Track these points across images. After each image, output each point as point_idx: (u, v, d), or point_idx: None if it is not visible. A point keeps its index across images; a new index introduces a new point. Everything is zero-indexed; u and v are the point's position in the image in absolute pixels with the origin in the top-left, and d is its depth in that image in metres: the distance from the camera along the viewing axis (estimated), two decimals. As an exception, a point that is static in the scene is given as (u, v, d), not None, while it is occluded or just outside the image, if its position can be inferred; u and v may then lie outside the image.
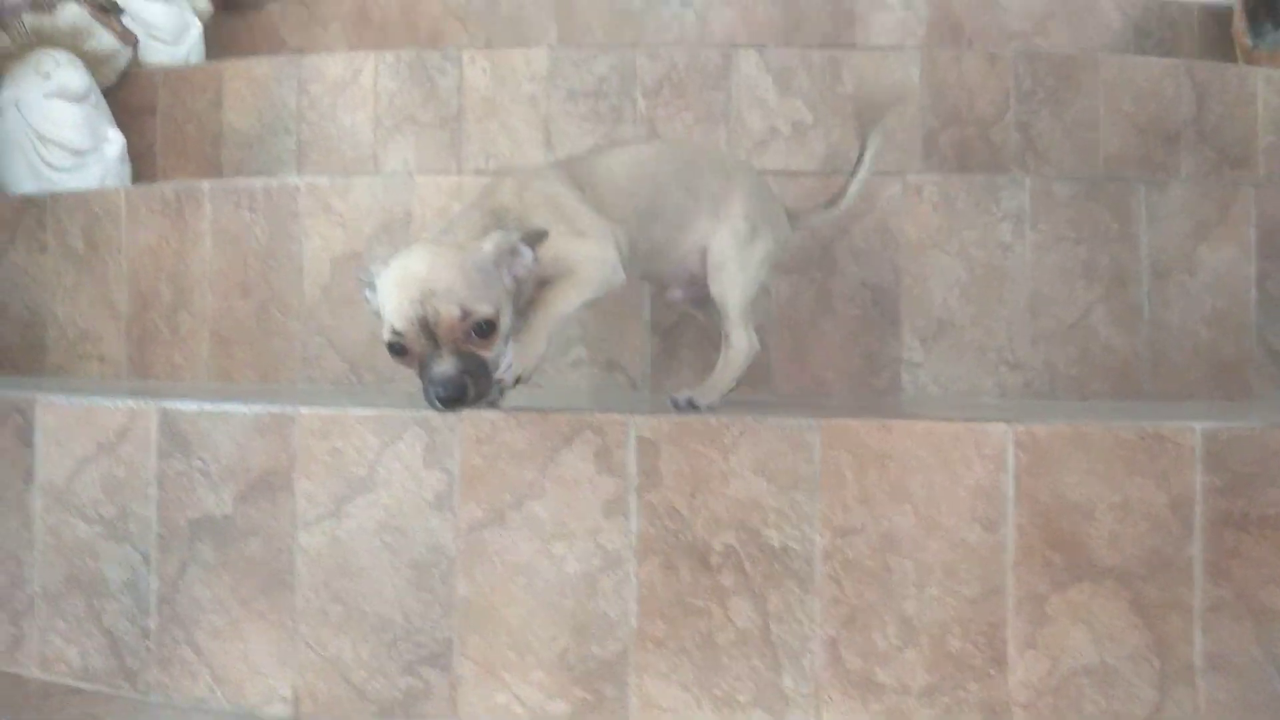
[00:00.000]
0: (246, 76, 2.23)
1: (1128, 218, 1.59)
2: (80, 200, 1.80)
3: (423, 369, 1.05)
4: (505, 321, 1.06)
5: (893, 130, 2.11)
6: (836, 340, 1.56)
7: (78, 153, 2.10)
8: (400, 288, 1.03)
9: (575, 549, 1.07)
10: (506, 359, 1.08)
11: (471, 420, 1.09)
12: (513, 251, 1.07)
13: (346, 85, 2.20)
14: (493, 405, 1.10)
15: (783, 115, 2.12)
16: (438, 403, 1.05)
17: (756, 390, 1.56)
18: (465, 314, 1.02)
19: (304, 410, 1.13)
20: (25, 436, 1.24)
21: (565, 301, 1.11)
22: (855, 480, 1.04)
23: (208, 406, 1.16)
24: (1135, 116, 2.17)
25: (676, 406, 1.15)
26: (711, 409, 1.15)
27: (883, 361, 1.56)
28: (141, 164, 2.27)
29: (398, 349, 1.06)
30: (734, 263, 1.21)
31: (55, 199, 1.83)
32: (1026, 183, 1.57)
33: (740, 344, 1.21)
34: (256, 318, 1.67)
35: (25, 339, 1.82)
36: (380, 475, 1.11)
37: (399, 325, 1.04)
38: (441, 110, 2.16)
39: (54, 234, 1.82)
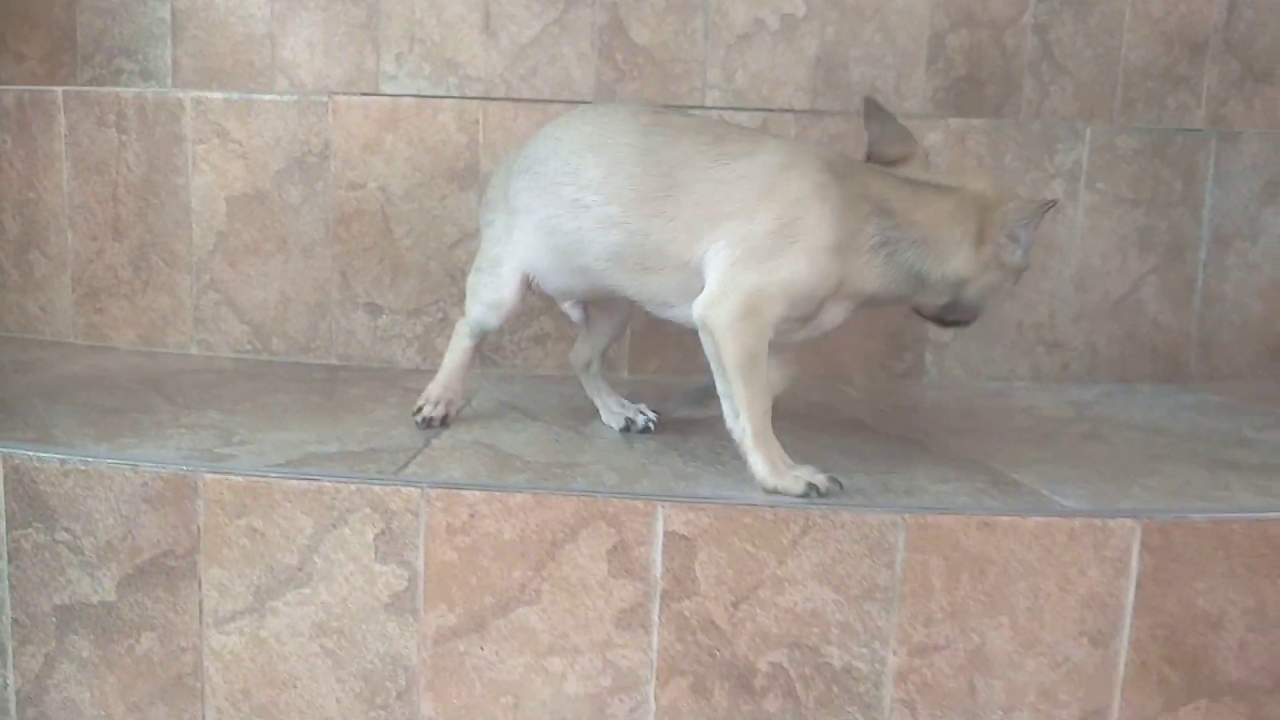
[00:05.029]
0: (104, -76, 1.78)
1: (1193, 177, 1.36)
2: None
3: None
4: None
5: (893, 28, 1.80)
6: (856, 318, 1.31)
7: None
8: None
9: (578, 666, 0.83)
10: None
11: (443, 504, 0.82)
12: None
13: (234, -58, 1.77)
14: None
15: (770, 4, 1.78)
16: None
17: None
18: None
19: (209, 476, 0.84)
20: None
21: None
22: (944, 589, 0.82)
23: (76, 462, 0.86)
24: (1163, 21, 1.91)
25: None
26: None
27: (905, 342, 1.32)
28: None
29: None
30: None
31: None
32: (1087, 134, 1.31)
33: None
34: (134, 266, 1.33)
35: None
36: (317, 566, 0.84)
37: None
38: (356, -19, 1.76)
39: None
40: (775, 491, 0.83)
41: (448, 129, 1.27)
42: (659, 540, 0.81)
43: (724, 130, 0.93)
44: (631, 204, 0.88)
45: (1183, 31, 1.93)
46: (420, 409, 1.03)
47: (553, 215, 0.92)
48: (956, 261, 0.86)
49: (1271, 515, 0.84)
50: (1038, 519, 0.82)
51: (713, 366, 0.85)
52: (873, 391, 1.29)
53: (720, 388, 0.85)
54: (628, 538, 0.81)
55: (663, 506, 0.81)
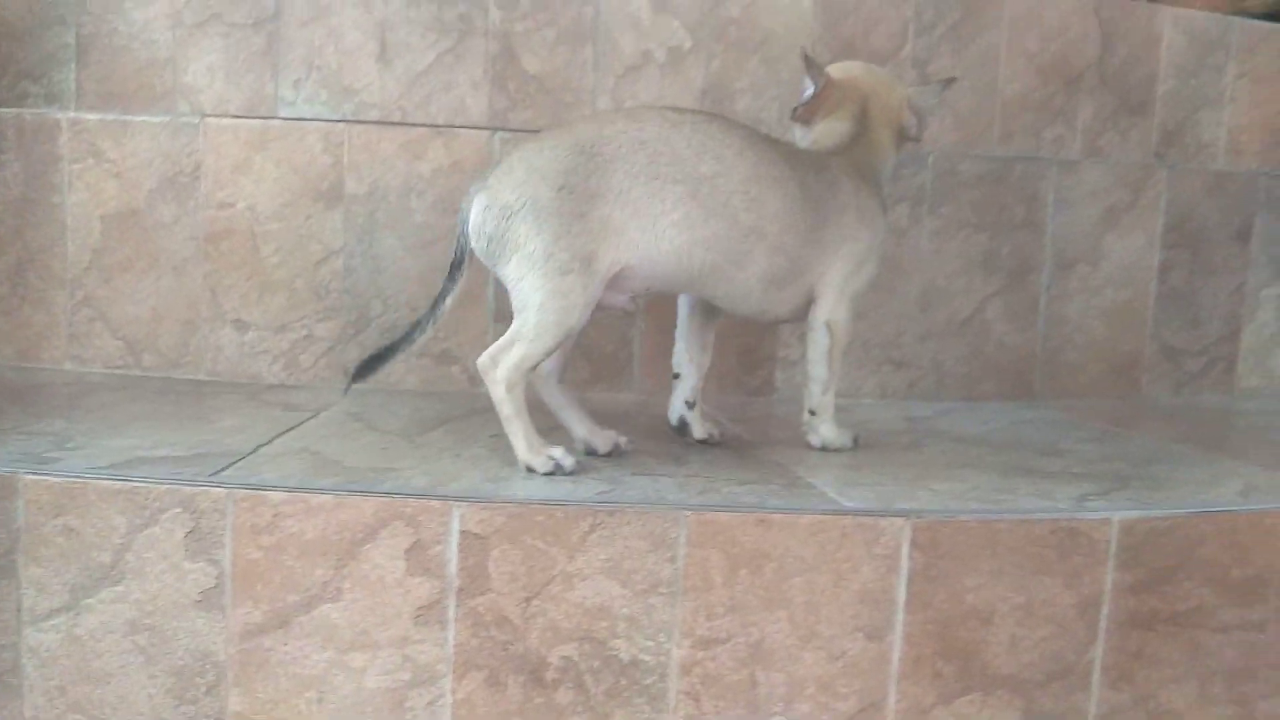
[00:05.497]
0: (8, -48, 1.82)
1: (1035, 202, 1.42)
2: None
3: None
4: None
5: (776, 60, 1.87)
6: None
7: None
8: None
9: (379, 661, 0.87)
10: None
11: (248, 504, 0.86)
12: None
13: (136, -30, 1.82)
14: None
15: (657, 37, 1.85)
16: None
17: (618, 388, 1.36)
18: None
19: (29, 477, 0.88)
20: None
21: None
22: (724, 584, 0.86)
23: (-101, 465, 0.89)
24: (1039, 57, 1.99)
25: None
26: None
27: (758, 359, 1.38)
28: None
29: None
30: None
31: None
32: (930, 160, 1.38)
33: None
34: (10, 282, 1.36)
35: None
36: (130, 564, 0.88)
37: None
38: (255, 9, 1.81)
39: None
40: (824, 447, 1.10)
41: (314, 150, 1.32)
42: (454, 539, 0.86)
43: (803, 154, 1.10)
44: (800, 234, 1.04)
45: (1058, 66, 2.02)
46: (531, 468, 0.97)
47: (719, 232, 1.00)
48: (891, 155, 1.15)
49: (1037, 515, 0.90)
50: (812, 517, 0.87)
51: (819, 359, 1.09)
52: (725, 405, 1.34)
53: (820, 373, 1.09)
54: (425, 537, 0.86)
55: (458, 506, 0.86)
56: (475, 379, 1.35)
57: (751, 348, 1.36)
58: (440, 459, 1.00)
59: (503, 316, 1.35)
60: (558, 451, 0.96)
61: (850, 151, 1.10)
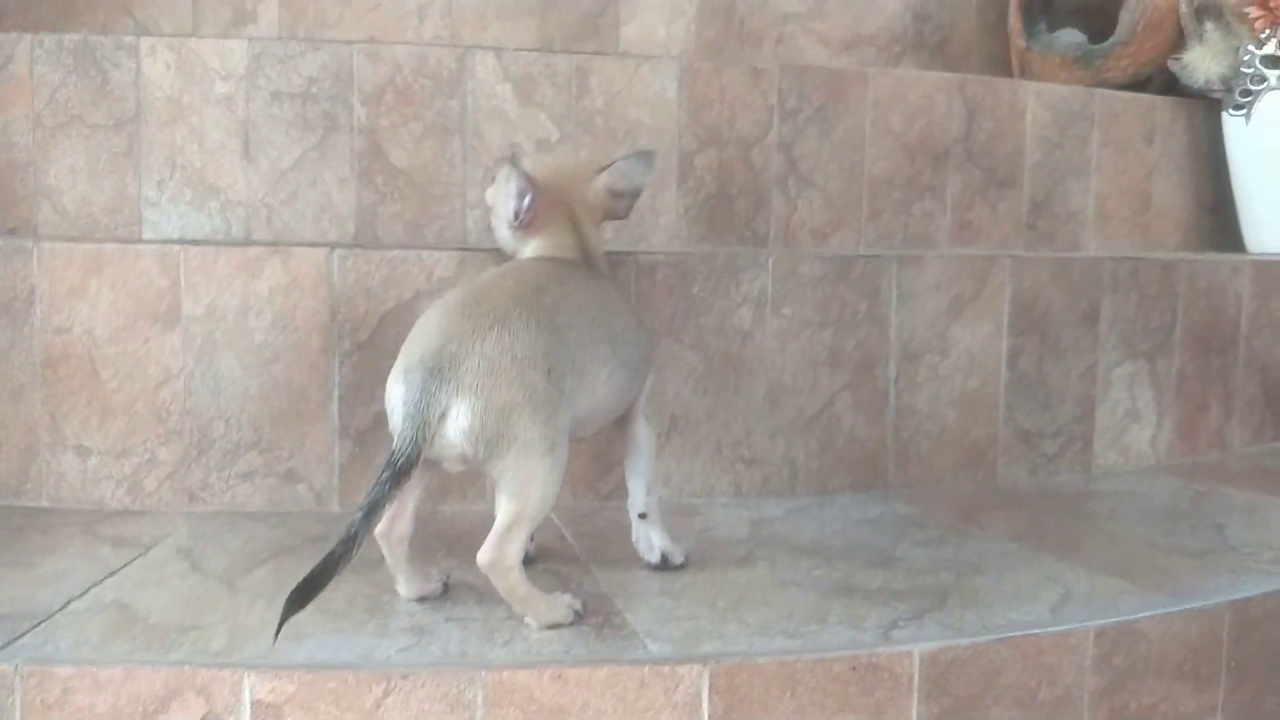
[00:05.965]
0: None
1: (877, 298, 1.45)
2: None
3: None
4: None
5: (643, 148, 1.90)
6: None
7: None
8: None
9: (177, 833, 0.85)
10: None
11: (36, 679, 0.84)
12: None
13: (-7, 73, 1.80)
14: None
15: (524, 129, 1.87)
16: None
17: (470, 499, 1.36)
18: None
19: None
20: None
21: None
22: (523, 741, 0.86)
23: None
24: (904, 135, 2.04)
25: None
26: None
27: (610, 463, 1.38)
28: None
29: None
30: None
31: None
32: (770, 263, 1.40)
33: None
34: None
35: None
36: (-85, 746, 0.85)
37: None
38: (116, 110, 1.80)
39: None
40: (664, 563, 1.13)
41: (149, 273, 1.31)
42: (247, 709, 0.85)
43: (596, 273, 1.14)
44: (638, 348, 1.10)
45: (924, 144, 2.07)
46: (557, 624, 0.96)
47: (621, 378, 1.05)
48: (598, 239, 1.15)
49: (836, 654, 0.91)
50: (609, 669, 0.87)
51: (649, 457, 1.13)
52: (577, 512, 1.34)
53: (649, 472, 1.13)
54: (216, 707, 0.85)
55: (249, 675, 0.85)
56: (321, 497, 1.35)
57: (601, 452, 1.37)
58: (252, 608, 0.99)
59: (348, 433, 1.34)
60: (567, 598, 0.98)
61: (592, 257, 1.12)
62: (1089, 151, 2.23)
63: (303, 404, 1.33)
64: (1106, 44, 2.31)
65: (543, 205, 1.09)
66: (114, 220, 1.81)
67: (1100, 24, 2.47)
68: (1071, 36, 2.37)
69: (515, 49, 1.87)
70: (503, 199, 1.12)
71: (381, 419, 1.34)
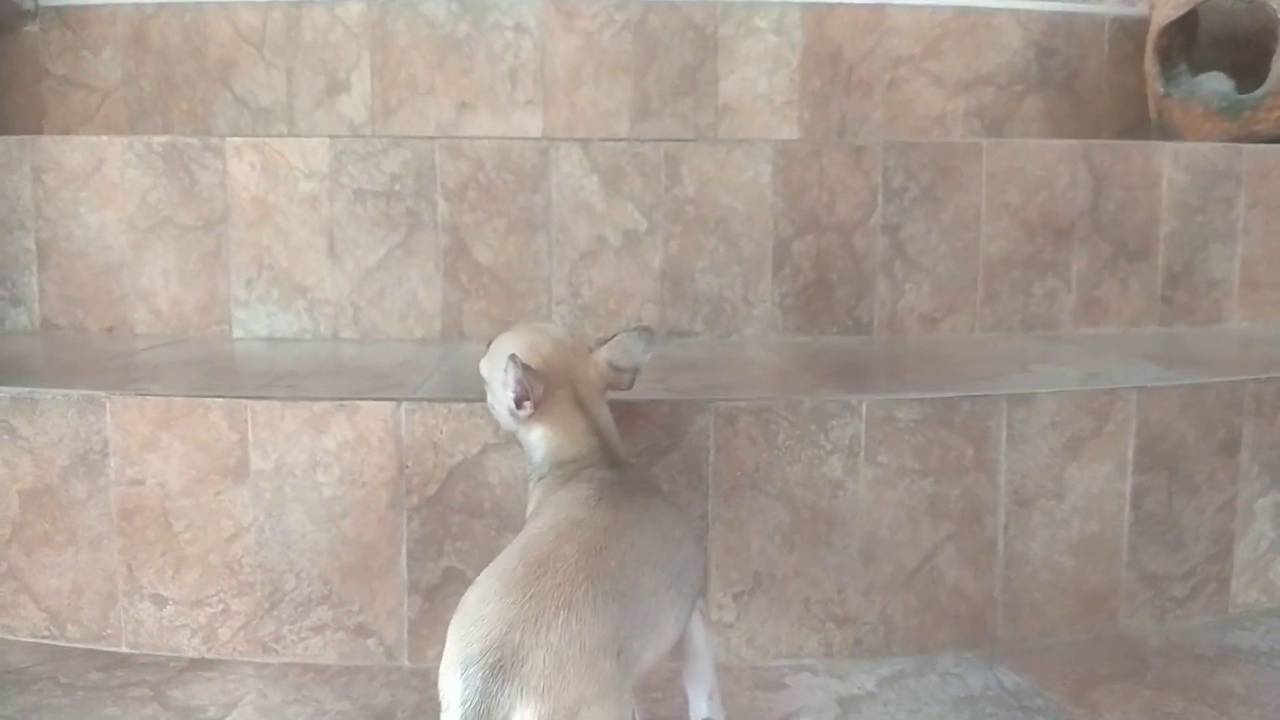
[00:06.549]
0: (-35, 162, 1.84)
1: (985, 442, 1.33)
2: None
3: None
4: None
5: (737, 237, 1.80)
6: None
7: None
8: None
9: None
10: None
11: None
12: None
13: (88, 176, 1.82)
14: None
15: (611, 222, 1.79)
16: None
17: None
18: None
19: None
20: None
21: None
22: None
23: None
24: (1023, 210, 1.88)
25: None
26: None
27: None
28: None
29: None
30: None
31: None
32: (863, 408, 1.29)
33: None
34: (-65, 554, 1.36)
35: None
36: None
37: None
38: (205, 211, 1.80)
39: None
40: None
41: (218, 427, 1.28)
42: None
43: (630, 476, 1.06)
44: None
45: (1045, 218, 1.91)
46: None
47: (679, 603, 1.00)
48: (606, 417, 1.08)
49: None
50: None
51: (713, 660, 1.05)
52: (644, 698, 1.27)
53: (714, 677, 1.05)
54: None
55: None
56: (392, 652, 1.31)
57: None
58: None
59: (417, 588, 1.30)
60: None
61: (606, 441, 1.05)
62: (1234, 214, 2.02)
63: (372, 559, 1.30)
64: (1257, 93, 2.08)
65: (545, 389, 1.03)
66: (205, 319, 1.82)
67: (1250, 59, 2.23)
68: (1216, 83, 2.15)
69: (601, 139, 1.80)
70: (499, 386, 1.06)
71: (451, 575, 1.30)
